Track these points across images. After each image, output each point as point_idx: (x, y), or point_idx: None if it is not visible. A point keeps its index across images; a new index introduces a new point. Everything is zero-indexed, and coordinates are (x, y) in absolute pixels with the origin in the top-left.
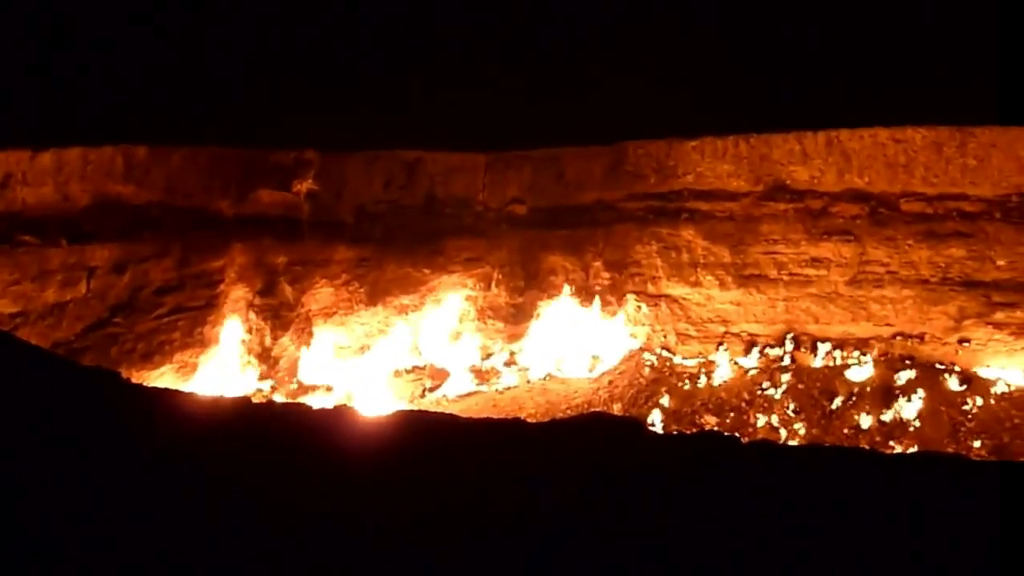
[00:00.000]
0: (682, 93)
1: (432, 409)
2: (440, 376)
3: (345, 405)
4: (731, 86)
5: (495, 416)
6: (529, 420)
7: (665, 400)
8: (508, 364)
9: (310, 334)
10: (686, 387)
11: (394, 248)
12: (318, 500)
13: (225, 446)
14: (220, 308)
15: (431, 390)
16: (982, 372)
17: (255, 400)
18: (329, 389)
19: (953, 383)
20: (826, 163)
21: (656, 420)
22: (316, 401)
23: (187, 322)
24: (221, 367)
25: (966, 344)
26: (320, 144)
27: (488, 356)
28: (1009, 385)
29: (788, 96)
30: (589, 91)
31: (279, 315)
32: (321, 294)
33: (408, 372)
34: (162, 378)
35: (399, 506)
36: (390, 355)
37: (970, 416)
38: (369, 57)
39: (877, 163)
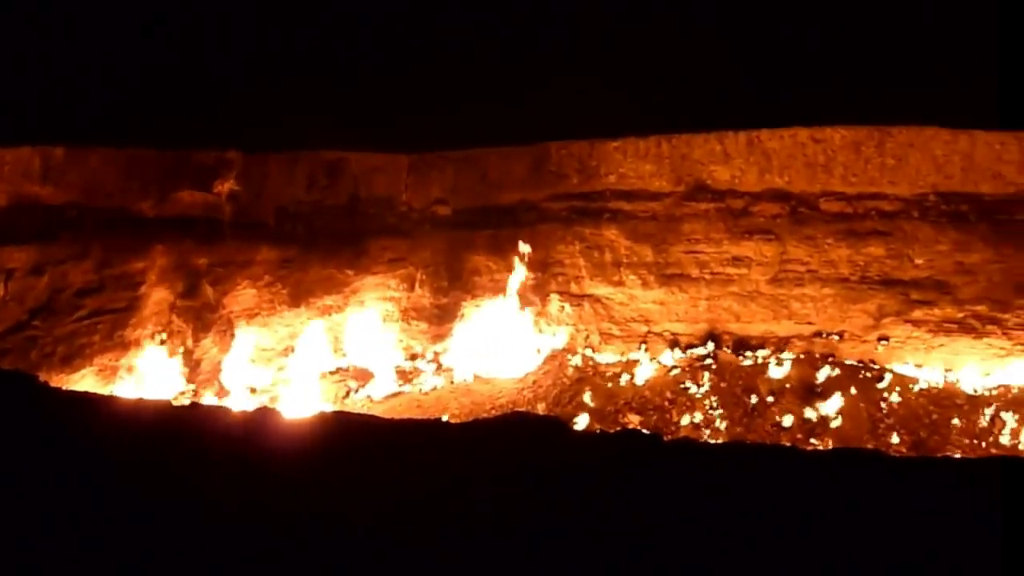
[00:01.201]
0: (604, 93)
1: (355, 410)
2: (364, 377)
3: (267, 407)
4: (652, 86)
5: (419, 417)
6: (453, 421)
7: (589, 399)
8: (432, 365)
9: (232, 336)
10: (610, 386)
11: (317, 249)
12: (240, 503)
13: (147, 450)
14: (141, 310)
15: (355, 392)
16: (901, 369)
17: (176, 403)
18: (252, 391)
19: (873, 380)
20: (747, 163)
21: (580, 419)
22: (238, 403)
23: (107, 325)
24: (142, 370)
25: (885, 342)
26: (242, 144)
27: (412, 357)
28: (927, 382)
29: (709, 96)
30: (511, 91)
31: (201, 317)
32: (243, 295)
33: (332, 373)
34: (83, 381)
35: (321, 508)
36: (313, 357)
37: (889, 413)
38: (290, 57)
39: (797, 163)
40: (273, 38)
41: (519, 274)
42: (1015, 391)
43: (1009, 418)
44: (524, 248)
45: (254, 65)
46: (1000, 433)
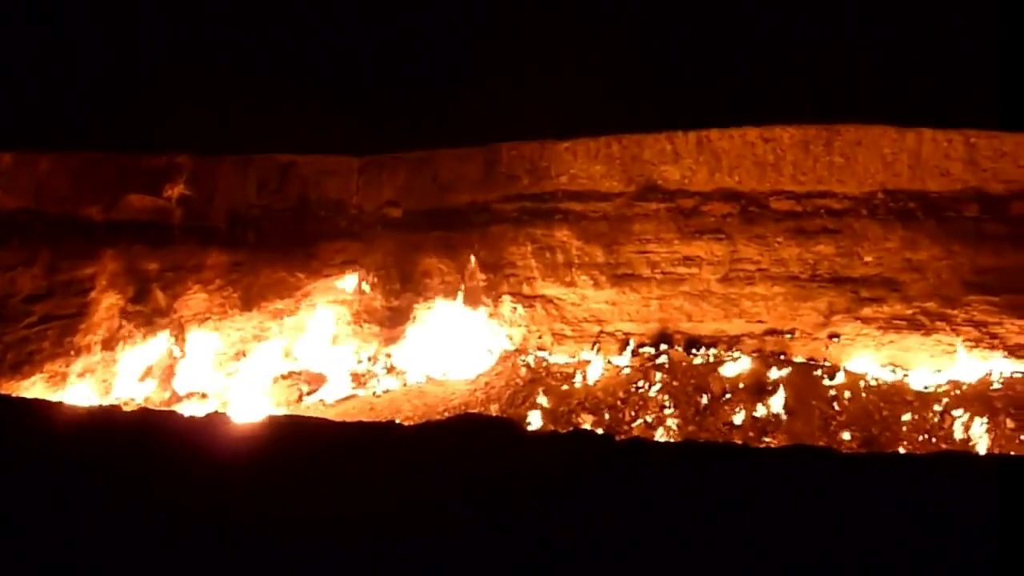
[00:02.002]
0: (555, 94)
1: (308, 414)
2: (316, 381)
3: (218, 412)
4: (603, 87)
5: (372, 419)
6: (405, 423)
7: (542, 400)
8: (385, 367)
9: (183, 340)
10: (562, 387)
11: (268, 252)
12: (191, 508)
13: (97, 455)
14: (91, 316)
15: (307, 395)
16: (852, 366)
17: (127, 408)
18: (203, 396)
19: (823, 378)
20: (697, 162)
21: (533, 420)
22: (190, 409)
23: (57, 331)
24: (93, 376)
25: (835, 339)
26: (191, 148)
27: (365, 360)
28: (877, 379)
29: (659, 96)
30: (462, 93)
31: (151, 322)
32: (194, 300)
33: (284, 377)
34: (33, 388)
35: (273, 512)
36: (265, 360)
37: (840, 410)
38: (239, 59)
39: (746, 162)
40: (222, 41)
41: (470, 276)
42: (964, 387)
43: (959, 414)
44: (472, 262)
45: (204, 69)
46: (950, 429)
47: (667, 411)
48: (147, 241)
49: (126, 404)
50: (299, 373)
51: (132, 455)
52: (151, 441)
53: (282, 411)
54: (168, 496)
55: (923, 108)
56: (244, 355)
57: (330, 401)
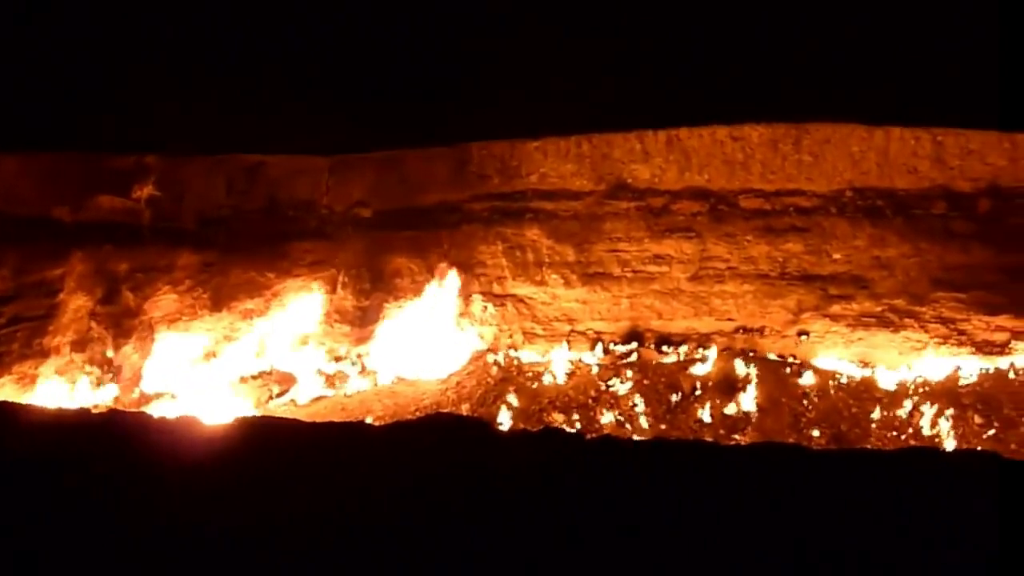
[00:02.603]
0: (525, 93)
1: (278, 414)
2: (287, 381)
3: (188, 413)
4: (573, 86)
5: (342, 420)
6: (376, 423)
7: (513, 399)
8: (356, 367)
9: (153, 342)
10: (533, 386)
11: (237, 253)
12: (161, 510)
13: (67, 458)
14: (60, 318)
15: (278, 395)
16: (821, 363)
17: (96, 411)
18: (173, 397)
19: (793, 375)
20: (667, 161)
21: (504, 419)
22: (160, 410)
23: (25, 332)
24: (62, 378)
25: (805, 336)
26: (160, 149)
27: (335, 360)
28: (847, 376)
29: (628, 95)
30: (431, 92)
31: (121, 323)
32: (164, 301)
33: (254, 378)
34: (1, 390)
35: (244, 514)
36: (236, 361)
37: (810, 407)
38: (207, 59)
39: (716, 160)
40: (190, 41)
41: (441, 277)
42: (933, 383)
43: (928, 410)
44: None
45: (172, 69)
46: (920, 425)
47: (638, 409)
48: (116, 242)
49: (96, 406)
50: (269, 373)
51: (102, 457)
52: (121, 443)
53: (252, 412)
54: (138, 498)
55: (892, 106)
56: (214, 356)
57: (301, 402)
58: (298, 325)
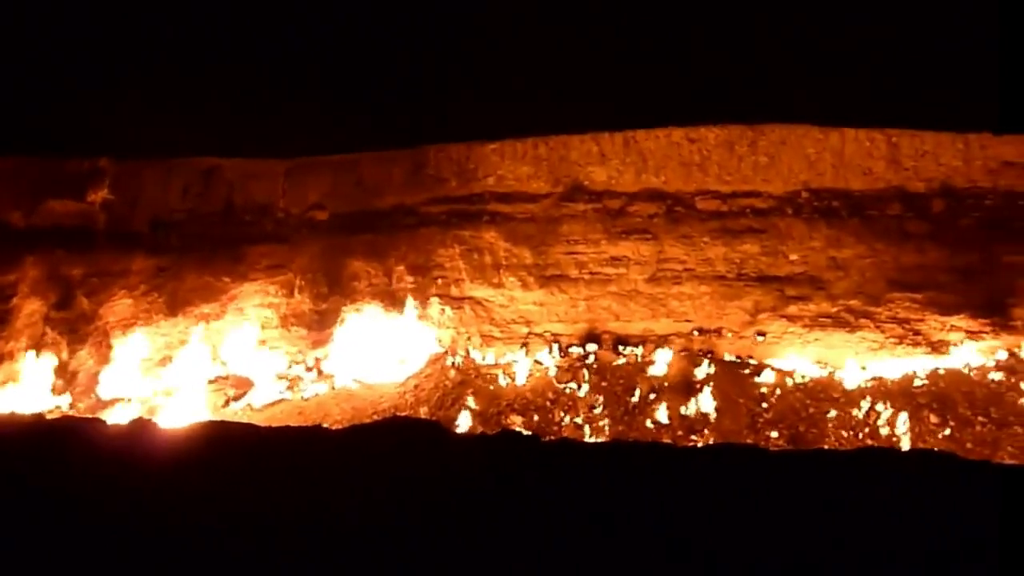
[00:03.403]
0: (481, 96)
1: (235, 419)
2: (244, 385)
3: (143, 418)
4: (529, 89)
5: (300, 424)
6: (334, 427)
7: (471, 402)
8: (313, 371)
9: (108, 347)
10: (491, 388)
11: (193, 257)
12: (117, 514)
13: (20, 463)
14: (13, 323)
15: (235, 399)
16: (778, 364)
17: (51, 416)
18: (129, 402)
19: (750, 376)
20: (623, 163)
21: (463, 422)
22: (116, 415)
23: None
24: (16, 383)
25: (762, 337)
26: (114, 152)
27: (293, 364)
28: (804, 376)
29: (585, 97)
30: (388, 95)
31: (75, 328)
32: (119, 306)
33: (211, 382)
34: None
35: (200, 517)
36: (192, 366)
37: (767, 407)
38: (161, 62)
39: (672, 162)
40: (143, 44)
41: (399, 278)
42: (889, 383)
43: (884, 410)
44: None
45: (125, 72)
46: (876, 425)
47: (596, 411)
48: (70, 246)
49: (51, 411)
50: (226, 378)
51: (56, 462)
52: (76, 448)
53: (209, 416)
54: (93, 502)
55: (847, 107)
56: (170, 360)
57: (258, 405)
58: (254, 329)
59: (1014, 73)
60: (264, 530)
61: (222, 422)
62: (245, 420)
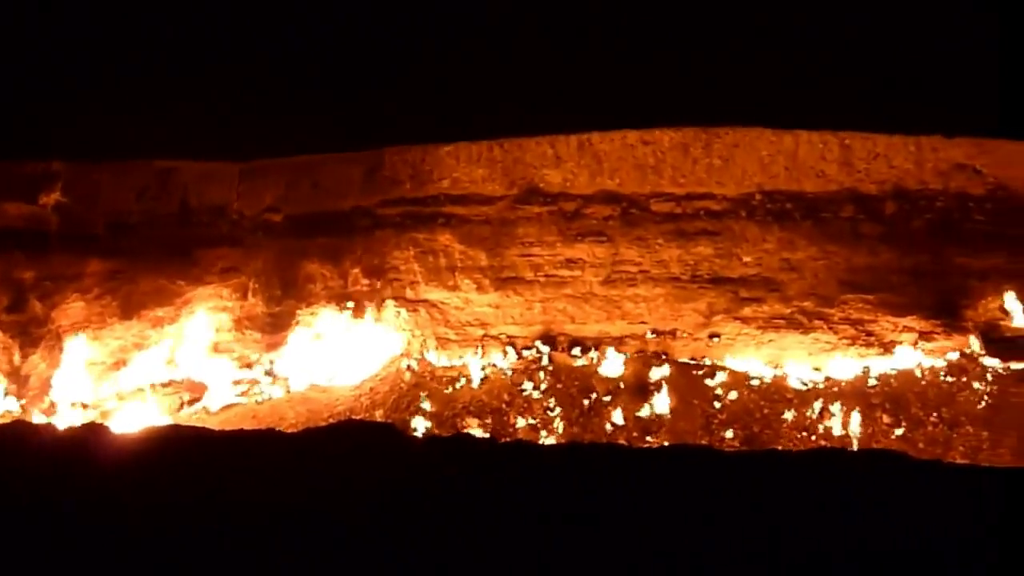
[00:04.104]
0: (436, 99)
1: (189, 423)
2: (198, 389)
3: (97, 422)
4: (484, 91)
5: (254, 428)
6: (288, 430)
7: (427, 404)
8: (268, 374)
9: (61, 350)
10: (447, 391)
11: (147, 260)
12: (68, 519)
13: None
14: None
15: (189, 403)
16: (732, 365)
17: (1, 420)
18: (83, 407)
19: (705, 377)
20: (578, 166)
21: (418, 425)
22: (69, 419)
23: None
24: None
25: (716, 339)
26: (68, 154)
27: (247, 367)
28: (758, 377)
29: (540, 100)
30: (343, 98)
31: (28, 332)
32: (72, 309)
33: (165, 386)
34: None
35: (153, 522)
36: (146, 369)
37: (722, 408)
38: (115, 63)
39: (627, 165)
40: (97, 44)
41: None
42: (842, 384)
43: (837, 410)
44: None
45: (79, 73)
46: (830, 425)
47: (551, 413)
48: (23, 249)
49: (2, 415)
50: (180, 382)
51: (7, 467)
52: (27, 452)
53: (163, 420)
54: (44, 507)
55: (800, 110)
56: (124, 364)
57: (212, 409)
58: (209, 332)
59: (1014, 77)
60: (218, 534)
61: (176, 426)
62: (199, 424)
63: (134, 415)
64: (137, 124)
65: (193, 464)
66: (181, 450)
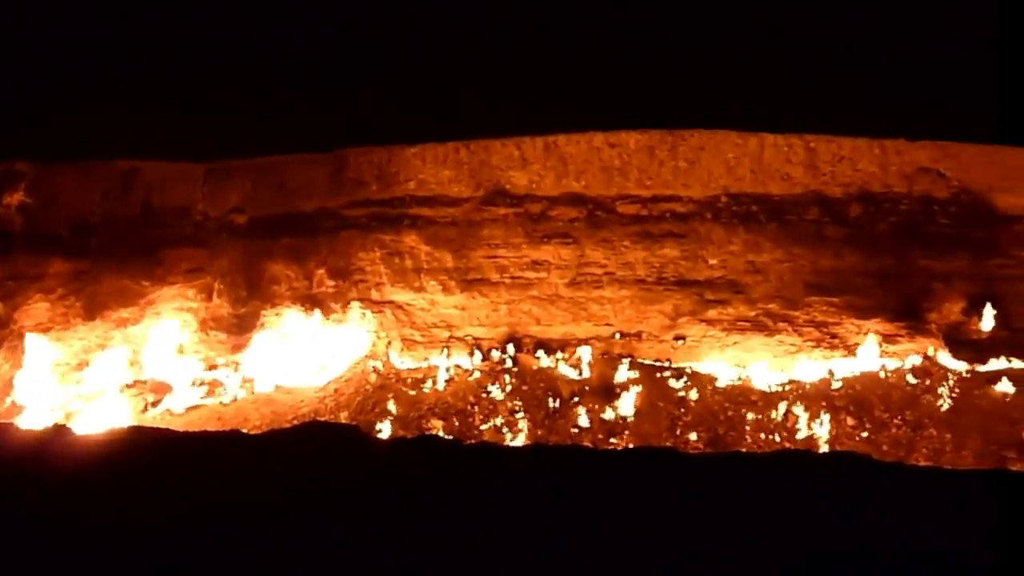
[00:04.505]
0: (402, 100)
1: (153, 424)
2: (162, 390)
3: (60, 424)
4: (450, 93)
5: (218, 429)
6: (253, 432)
7: (392, 406)
8: (233, 376)
9: (24, 351)
10: (412, 393)
11: (111, 260)
12: (31, 520)
13: None
14: None
15: (153, 405)
16: (697, 367)
17: None
18: (46, 408)
19: (670, 379)
20: (544, 168)
21: (383, 427)
22: (32, 420)
23: None
24: None
25: (681, 341)
26: (31, 155)
27: (212, 368)
28: (723, 379)
29: (506, 102)
30: (309, 99)
31: None
32: (35, 309)
33: (129, 387)
34: None
35: (116, 523)
36: (110, 370)
37: (687, 411)
38: (79, 63)
39: (593, 167)
40: (60, 43)
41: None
42: (807, 386)
43: (801, 412)
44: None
45: (43, 73)
46: (793, 427)
47: (517, 415)
48: None
49: None
50: (144, 383)
51: None
52: None
53: (127, 422)
54: (7, 508)
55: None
56: (87, 365)
57: (177, 411)
58: (173, 333)
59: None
60: (182, 534)
61: (140, 427)
62: (164, 426)
63: (98, 416)
64: (101, 125)
65: (157, 465)
66: (145, 452)
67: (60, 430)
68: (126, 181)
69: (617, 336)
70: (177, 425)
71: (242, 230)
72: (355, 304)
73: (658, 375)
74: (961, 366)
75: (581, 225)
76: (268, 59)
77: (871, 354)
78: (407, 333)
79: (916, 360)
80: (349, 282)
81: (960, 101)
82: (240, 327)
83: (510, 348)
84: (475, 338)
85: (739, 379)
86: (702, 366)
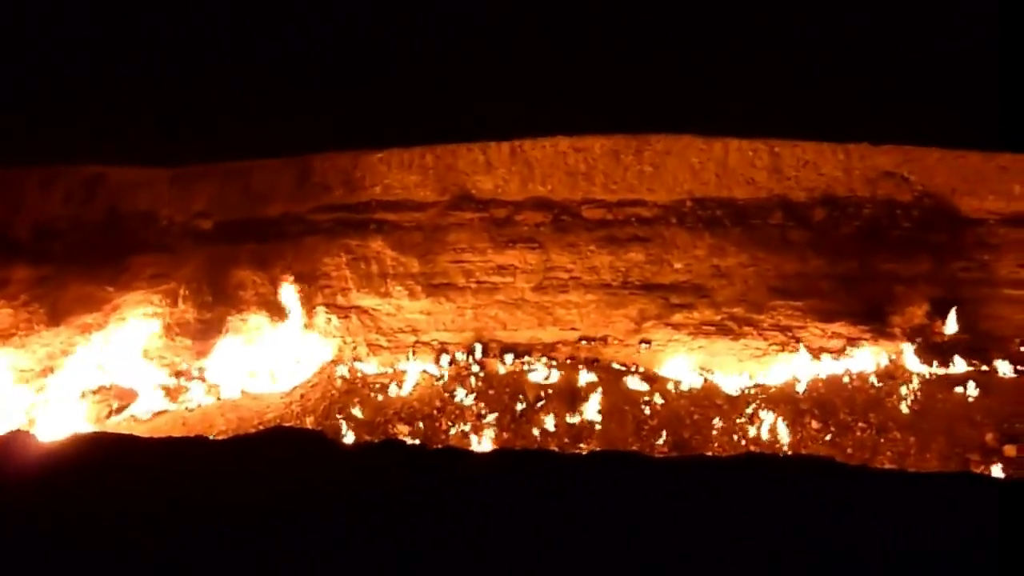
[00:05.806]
0: (368, 105)
1: (118, 430)
2: (127, 396)
3: (22, 430)
4: (416, 97)
5: (183, 435)
6: (218, 437)
7: (357, 411)
8: (197, 381)
9: None
10: (378, 398)
11: (76, 266)
12: None
13: None
14: None
15: (118, 411)
16: (663, 371)
17: None
18: (10, 414)
19: (636, 383)
20: (510, 172)
21: (349, 432)
22: None
23: None
24: None
25: (647, 345)
26: None
27: (176, 374)
28: (688, 383)
29: (471, 107)
30: (273, 104)
31: None
32: None
33: (94, 393)
34: None
35: (79, 531)
36: (74, 376)
37: (653, 414)
38: (43, 65)
39: (559, 171)
40: (24, 45)
41: (285, 288)
42: (772, 390)
43: (767, 416)
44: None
45: (4, 77)
46: (759, 431)
47: (483, 419)
48: None
49: None
50: (109, 388)
51: None
52: None
53: (91, 428)
54: None
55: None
56: (51, 371)
57: (141, 416)
58: (138, 339)
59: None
60: (145, 540)
61: (104, 433)
62: (128, 431)
63: (61, 422)
64: (64, 129)
65: (121, 471)
66: (109, 457)
67: (22, 436)
68: (90, 186)
69: (583, 341)
70: (142, 431)
71: (208, 235)
72: (321, 309)
73: (624, 379)
74: (925, 369)
75: (547, 230)
76: (234, 64)
77: (835, 357)
78: (373, 338)
79: (881, 363)
80: (315, 287)
81: (959, 103)
82: (205, 332)
83: (476, 352)
84: (441, 343)
85: (704, 383)
86: (668, 370)
